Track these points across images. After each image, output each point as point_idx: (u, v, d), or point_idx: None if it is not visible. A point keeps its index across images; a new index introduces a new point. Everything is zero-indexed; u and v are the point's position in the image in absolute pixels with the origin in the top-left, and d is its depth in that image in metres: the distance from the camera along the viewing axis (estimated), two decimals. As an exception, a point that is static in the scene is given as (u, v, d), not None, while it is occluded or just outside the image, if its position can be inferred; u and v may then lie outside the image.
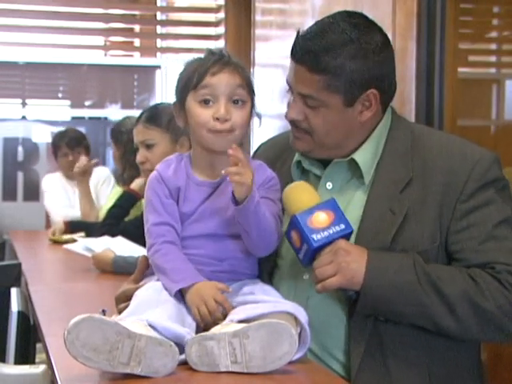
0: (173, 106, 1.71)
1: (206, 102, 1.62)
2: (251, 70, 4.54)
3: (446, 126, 2.72)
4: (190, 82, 1.63)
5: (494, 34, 3.36)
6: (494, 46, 3.38)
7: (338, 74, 1.63)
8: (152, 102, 5.83)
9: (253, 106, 1.67)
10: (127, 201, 3.48)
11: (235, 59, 1.67)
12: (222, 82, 1.61)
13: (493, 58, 3.45)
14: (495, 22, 3.32)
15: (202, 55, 1.68)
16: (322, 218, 1.57)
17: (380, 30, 1.70)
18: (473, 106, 3.10)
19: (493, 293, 1.58)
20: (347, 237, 1.60)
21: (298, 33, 1.69)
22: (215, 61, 1.63)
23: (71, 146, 4.62)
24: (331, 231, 1.57)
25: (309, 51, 1.64)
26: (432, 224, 1.64)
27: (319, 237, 1.56)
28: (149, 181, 1.68)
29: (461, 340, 1.65)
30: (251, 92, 1.66)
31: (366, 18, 1.70)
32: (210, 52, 1.67)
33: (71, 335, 1.35)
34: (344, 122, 1.68)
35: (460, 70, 2.90)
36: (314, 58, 1.63)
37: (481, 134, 3.20)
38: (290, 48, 1.69)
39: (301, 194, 1.61)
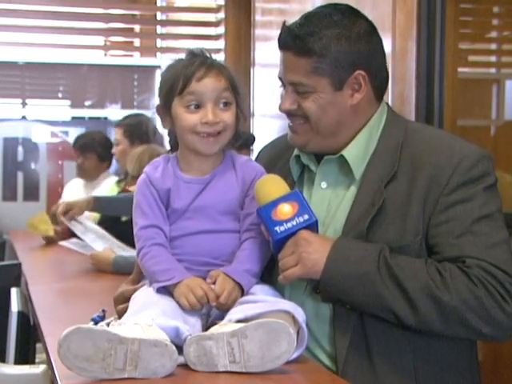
0: (156, 109, 1.71)
1: (193, 107, 1.62)
2: (251, 70, 4.54)
3: (446, 126, 2.72)
4: (175, 86, 1.63)
5: (494, 34, 3.36)
6: (494, 46, 3.39)
7: (323, 55, 1.64)
8: (152, 102, 5.84)
9: (238, 105, 1.67)
10: None
11: (217, 60, 1.68)
12: (208, 87, 1.61)
13: (493, 58, 3.45)
14: (495, 21, 3.33)
15: (183, 56, 1.67)
16: (286, 209, 1.57)
17: (366, 18, 1.71)
18: (473, 106, 3.11)
19: (458, 287, 1.55)
20: (312, 227, 1.59)
21: (284, 23, 1.70)
22: (199, 64, 1.63)
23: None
24: (294, 222, 1.57)
25: (294, 36, 1.66)
26: (416, 218, 1.63)
27: (282, 228, 1.56)
28: (137, 184, 1.69)
29: (425, 332, 1.61)
30: (236, 92, 1.66)
31: (351, 7, 1.72)
32: (192, 53, 1.67)
33: (62, 348, 1.36)
34: (335, 106, 1.68)
35: (460, 69, 2.91)
36: (299, 42, 1.65)
37: (481, 134, 3.20)
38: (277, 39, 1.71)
39: (269, 186, 1.60)
